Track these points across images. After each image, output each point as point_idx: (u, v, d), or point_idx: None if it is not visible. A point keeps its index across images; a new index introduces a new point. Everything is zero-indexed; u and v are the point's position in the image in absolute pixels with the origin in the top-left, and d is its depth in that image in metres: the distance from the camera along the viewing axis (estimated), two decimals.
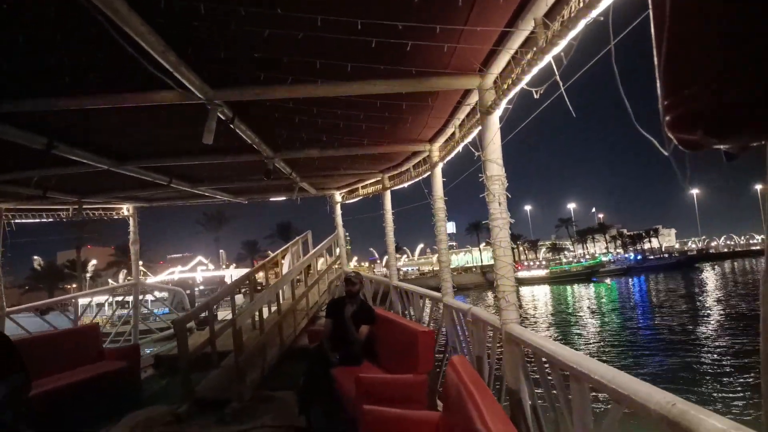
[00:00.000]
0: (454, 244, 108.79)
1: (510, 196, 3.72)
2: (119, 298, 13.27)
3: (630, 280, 59.83)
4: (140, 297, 11.48)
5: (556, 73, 2.60)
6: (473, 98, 4.22)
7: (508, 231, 3.72)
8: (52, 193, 7.34)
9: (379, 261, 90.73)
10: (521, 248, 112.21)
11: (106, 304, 12.90)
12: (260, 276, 11.00)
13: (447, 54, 3.36)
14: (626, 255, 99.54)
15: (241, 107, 4.35)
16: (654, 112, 0.90)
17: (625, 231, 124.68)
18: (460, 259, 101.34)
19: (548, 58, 2.63)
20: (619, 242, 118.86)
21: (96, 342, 6.93)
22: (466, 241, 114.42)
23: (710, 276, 58.20)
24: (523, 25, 2.87)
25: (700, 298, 34.12)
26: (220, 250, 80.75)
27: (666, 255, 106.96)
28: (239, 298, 12.09)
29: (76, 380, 5.63)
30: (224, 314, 9.72)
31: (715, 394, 12.47)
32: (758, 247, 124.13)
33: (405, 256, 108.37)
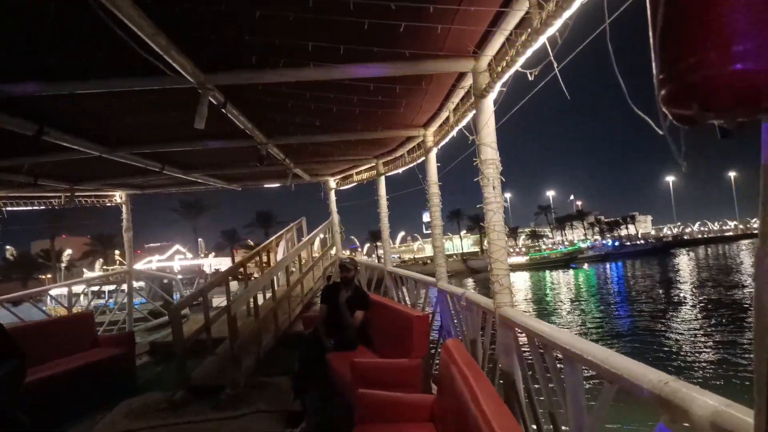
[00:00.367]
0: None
1: (504, 180, 3.71)
2: (95, 288, 13.17)
3: (608, 266, 61.04)
4: (121, 287, 11.42)
5: (551, 54, 2.58)
6: (467, 81, 4.18)
7: (502, 215, 3.71)
8: (44, 180, 7.27)
9: (360, 249, 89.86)
10: None
11: (82, 295, 12.82)
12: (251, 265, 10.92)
13: (441, 36, 3.32)
14: (604, 241, 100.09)
15: (233, 91, 4.30)
16: (647, 95, 0.88)
17: (602, 218, 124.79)
18: None
19: (543, 39, 2.60)
20: (596, 229, 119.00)
21: (90, 329, 6.91)
22: (447, 229, 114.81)
23: (685, 261, 59.54)
24: (518, 5, 2.83)
25: (676, 283, 34.89)
26: (199, 239, 79.74)
27: (642, 241, 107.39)
28: (233, 285, 12.09)
29: (71, 367, 5.62)
30: (218, 301, 9.72)
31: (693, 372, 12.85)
32: (731, 233, 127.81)
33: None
